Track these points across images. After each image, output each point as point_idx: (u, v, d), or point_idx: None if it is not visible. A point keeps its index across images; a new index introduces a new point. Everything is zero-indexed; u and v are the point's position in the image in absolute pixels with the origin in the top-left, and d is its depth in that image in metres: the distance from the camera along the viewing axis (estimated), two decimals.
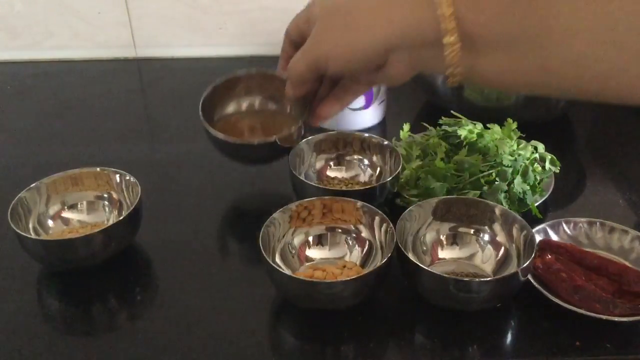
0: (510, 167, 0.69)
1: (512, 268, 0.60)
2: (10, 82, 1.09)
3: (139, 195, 0.65)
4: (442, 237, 0.65)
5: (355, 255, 0.64)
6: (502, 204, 0.66)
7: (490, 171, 0.69)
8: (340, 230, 0.65)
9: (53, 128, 0.94)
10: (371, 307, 0.60)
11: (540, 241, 0.63)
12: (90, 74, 1.11)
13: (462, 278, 0.57)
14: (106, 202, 0.70)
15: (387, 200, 0.70)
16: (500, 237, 0.63)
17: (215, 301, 0.62)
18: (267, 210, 0.63)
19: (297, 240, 0.64)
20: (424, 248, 0.64)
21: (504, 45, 0.38)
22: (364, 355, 0.56)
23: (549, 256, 0.62)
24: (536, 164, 0.72)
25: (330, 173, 0.77)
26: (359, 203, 0.64)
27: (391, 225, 0.60)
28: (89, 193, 0.70)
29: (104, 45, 1.13)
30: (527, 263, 0.56)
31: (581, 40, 0.35)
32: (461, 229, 0.65)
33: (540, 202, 0.70)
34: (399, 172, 0.70)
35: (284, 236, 0.63)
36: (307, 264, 0.63)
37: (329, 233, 0.65)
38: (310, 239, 0.65)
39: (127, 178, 0.68)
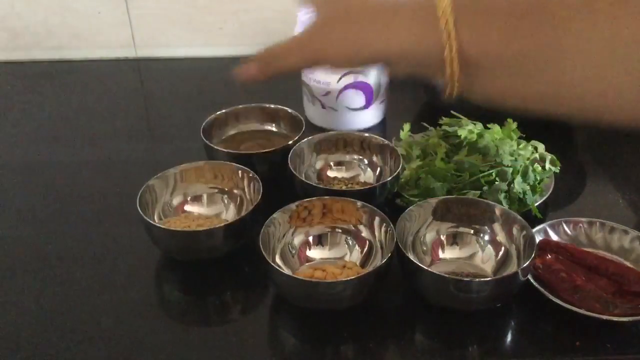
0: (510, 167, 0.69)
1: (512, 268, 0.60)
2: (10, 82, 1.09)
3: (261, 191, 0.65)
4: (442, 237, 0.65)
5: (355, 255, 0.64)
6: (502, 204, 0.66)
7: (490, 171, 0.69)
8: (340, 230, 0.65)
9: (53, 128, 0.94)
10: (371, 307, 0.60)
11: (540, 241, 0.63)
12: (90, 74, 1.11)
13: (462, 278, 0.57)
14: (225, 196, 0.71)
15: (387, 200, 0.70)
16: (500, 237, 0.63)
17: (215, 301, 0.62)
18: (267, 210, 0.63)
19: (297, 240, 0.64)
20: (424, 248, 0.64)
21: (503, 69, 0.39)
22: (364, 355, 0.56)
23: (549, 256, 0.62)
24: (536, 164, 0.72)
25: (330, 173, 0.77)
26: (359, 203, 0.64)
27: (391, 225, 0.60)
28: (210, 185, 0.71)
29: (104, 45, 1.13)
30: (527, 263, 0.56)
31: (580, 65, 0.36)
32: (461, 229, 0.65)
33: (540, 202, 0.70)
34: (399, 172, 0.70)
35: (284, 236, 0.63)
36: (307, 264, 0.63)
37: (329, 233, 0.65)
38: (310, 239, 0.65)
39: (250, 175, 0.69)
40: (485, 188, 0.68)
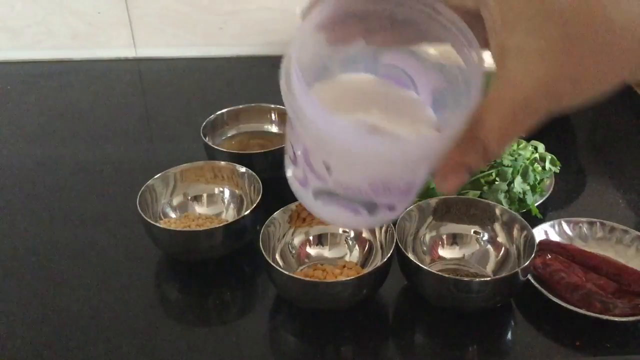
0: (510, 167, 0.69)
1: (512, 268, 0.60)
2: (10, 82, 1.08)
3: (261, 191, 0.66)
4: (442, 237, 0.65)
5: (355, 255, 0.64)
6: (502, 204, 0.66)
7: (490, 171, 0.69)
8: (340, 230, 0.65)
9: (53, 128, 0.94)
10: (371, 307, 0.60)
11: (540, 241, 0.63)
12: (90, 74, 1.11)
13: (462, 278, 0.57)
14: (225, 196, 0.71)
15: None
16: (500, 237, 0.63)
17: (215, 301, 0.62)
18: (267, 210, 0.63)
19: (297, 240, 0.64)
20: (424, 248, 0.64)
21: None
22: (364, 355, 0.56)
23: (549, 256, 0.62)
24: (536, 164, 0.72)
25: None
26: None
27: (391, 225, 0.60)
28: (210, 185, 0.72)
29: (104, 45, 1.13)
30: (527, 263, 0.56)
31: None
32: (461, 229, 0.65)
33: (540, 202, 0.70)
34: None
35: (284, 236, 0.64)
36: (307, 264, 0.63)
37: (329, 233, 0.65)
38: (310, 238, 0.65)
39: (250, 175, 0.69)
40: (485, 188, 0.68)
